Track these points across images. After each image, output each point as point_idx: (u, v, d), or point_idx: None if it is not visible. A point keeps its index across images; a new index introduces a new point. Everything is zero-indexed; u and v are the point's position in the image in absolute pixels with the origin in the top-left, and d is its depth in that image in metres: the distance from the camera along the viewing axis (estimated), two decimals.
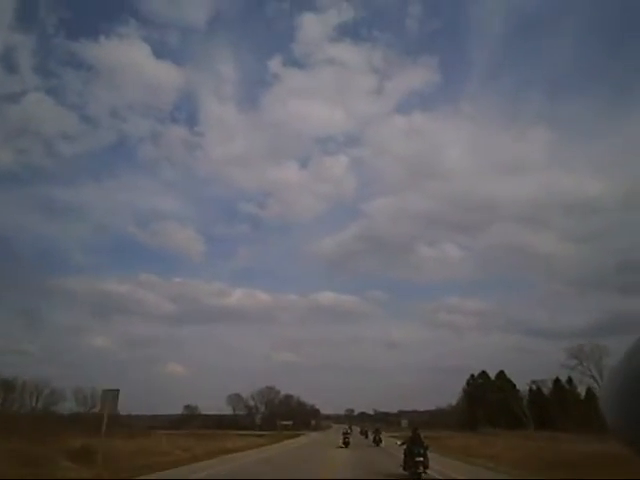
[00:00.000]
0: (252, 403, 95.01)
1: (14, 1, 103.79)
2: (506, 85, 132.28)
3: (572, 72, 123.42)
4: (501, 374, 76.26)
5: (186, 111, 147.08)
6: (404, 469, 14.87)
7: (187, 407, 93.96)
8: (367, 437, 47.22)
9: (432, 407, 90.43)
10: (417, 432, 15.51)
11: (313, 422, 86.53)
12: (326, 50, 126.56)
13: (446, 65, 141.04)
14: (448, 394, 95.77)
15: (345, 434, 34.06)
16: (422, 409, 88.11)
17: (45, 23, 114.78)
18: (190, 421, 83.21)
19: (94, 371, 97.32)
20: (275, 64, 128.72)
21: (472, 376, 79.76)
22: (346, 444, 32.94)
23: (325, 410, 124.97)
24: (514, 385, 73.57)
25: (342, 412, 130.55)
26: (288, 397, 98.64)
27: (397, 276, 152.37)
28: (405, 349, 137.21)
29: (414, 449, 14.40)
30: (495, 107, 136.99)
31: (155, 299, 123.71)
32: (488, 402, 70.26)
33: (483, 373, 79.19)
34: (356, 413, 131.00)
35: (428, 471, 14.44)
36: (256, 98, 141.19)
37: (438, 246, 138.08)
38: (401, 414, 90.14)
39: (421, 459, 14.14)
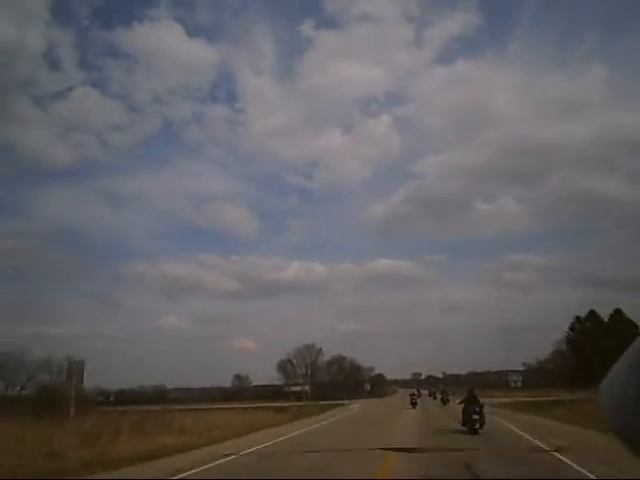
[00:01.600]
0: (291, 368, 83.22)
1: None
2: (556, 23, 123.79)
3: (627, 6, 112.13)
4: (617, 314, 63.61)
5: (225, 88, 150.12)
6: (463, 425, 16.83)
7: (237, 377, 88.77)
8: (435, 398, 49.95)
9: (508, 367, 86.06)
10: (473, 392, 17.54)
11: (368, 386, 68.11)
12: (359, 5, 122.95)
13: (489, 5, 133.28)
14: (520, 353, 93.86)
15: (412, 395, 37.93)
16: (495, 369, 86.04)
17: (79, 15, 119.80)
18: (240, 393, 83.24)
19: (168, 348, 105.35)
20: (307, 28, 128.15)
21: (577, 319, 66.40)
22: (413, 404, 36.40)
23: (391, 375, 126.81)
24: (636, 326, 59.45)
25: (409, 377, 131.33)
26: (339, 358, 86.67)
27: (454, 237, 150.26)
28: (469, 311, 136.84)
29: (470, 408, 16.32)
30: (545, 46, 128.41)
31: (217, 278, 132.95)
32: (601, 350, 53.85)
33: (592, 314, 65.90)
34: (424, 377, 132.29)
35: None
36: (292, 66, 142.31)
37: (495, 201, 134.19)
38: (471, 375, 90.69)
39: (477, 417, 16.00)
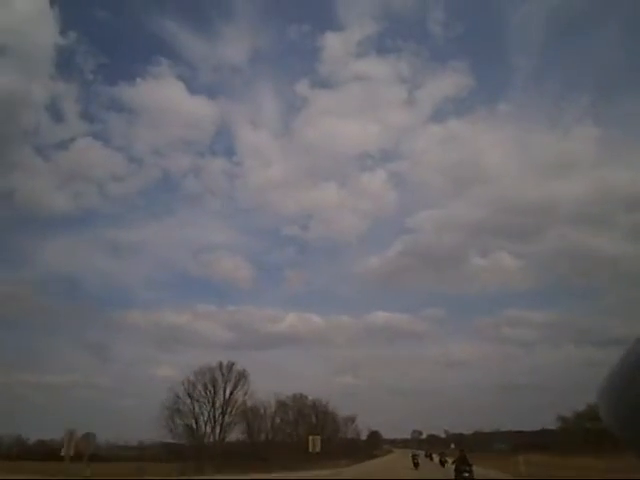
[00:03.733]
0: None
1: (52, 50, 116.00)
2: (548, 85, 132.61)
3: (621, 72, 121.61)
4: None
5: (223, 143, 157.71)
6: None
7: None
8: (432, 460, 51.37)
9: (514, 427, 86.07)
10: (463, 452, 21.57)
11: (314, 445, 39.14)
12: (352, 67, 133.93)
13: (479, 68, 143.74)
14: (529, 413, 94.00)
15: (414, 456, 42.66)
16: (504, 429, 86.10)
17: (83, 70, 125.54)
18: None
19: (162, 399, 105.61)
20: (303, 87, 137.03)
21: None
22: (416, 465, 40.22)
23: (390, 434, 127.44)
24: None
25: (408, 436, 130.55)
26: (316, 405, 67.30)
27: (451, 291, 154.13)
28: (469, 367, 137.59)
29: (461, 467, 19.95)
30: (536, 107, 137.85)
31: (212, 328, 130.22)
32: None
33: None
34: (425, 436, 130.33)
35: None
36: (288, 123, 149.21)
37: (491, 256, 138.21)
38: (476, 435, 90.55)
39: (467, 474, 20.00)
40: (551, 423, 74.82)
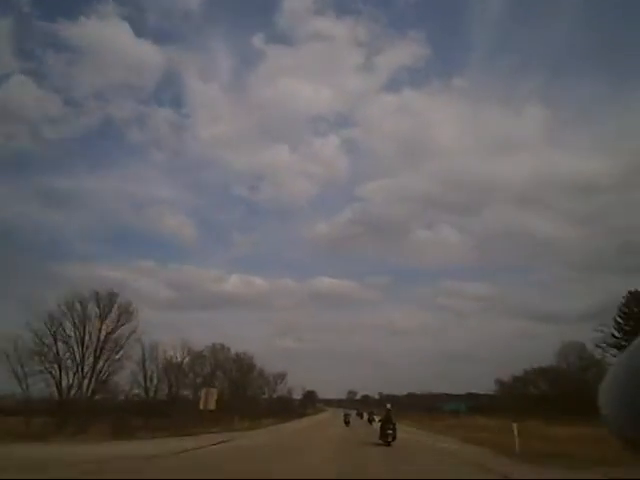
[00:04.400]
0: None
1: None
2: (503, 63, 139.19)
3: (573, 54, 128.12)
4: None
5: (171, 92, 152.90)
6: (380, 438, 22.67)
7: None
8: (362, 418, 56.07)
9: (448, 391, 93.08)
10: (389, 414, 23.59)
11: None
12: (310, 24, 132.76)
13: (437, 40, 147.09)
14: (460, 378, 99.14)
15: (346, 415, 45.77)
16: (437, 392, 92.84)
17: (20, 3, 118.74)
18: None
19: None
20: (259, 41, 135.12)
21: (632, 295, 51.38)
22: (347, 423, 43.60)
23: (326, 394, 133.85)
24: None
25: (344, 396, 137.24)
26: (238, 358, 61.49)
27: (395, 261, 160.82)
28: (408, 335, 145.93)
29: (386, 425, 22.65)
30: (489, 84, 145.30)
31: (153, 285, 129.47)
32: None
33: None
34: (359, 396, 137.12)
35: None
36: (242, 77, 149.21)
37: (436, 229, 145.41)
38: (409, 397, 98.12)
39: (390, 432, 22.22)
40: (481, 388, 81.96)
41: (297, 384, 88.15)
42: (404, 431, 30.82)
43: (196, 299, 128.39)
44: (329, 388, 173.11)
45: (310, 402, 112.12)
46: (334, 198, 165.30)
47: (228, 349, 60.50)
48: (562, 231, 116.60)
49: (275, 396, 73.46)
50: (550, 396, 54.06)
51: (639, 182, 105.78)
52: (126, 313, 42.23)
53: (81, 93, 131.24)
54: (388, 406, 25.65)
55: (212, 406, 28.78)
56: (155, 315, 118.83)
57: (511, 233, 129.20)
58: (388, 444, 21.65)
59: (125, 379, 43.92)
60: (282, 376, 74.22)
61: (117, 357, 41.05)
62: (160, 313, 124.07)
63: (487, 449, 20.74)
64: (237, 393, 57.49)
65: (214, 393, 30.39)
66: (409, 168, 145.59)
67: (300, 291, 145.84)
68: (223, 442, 21.62)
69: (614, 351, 50.38)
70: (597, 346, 52.61)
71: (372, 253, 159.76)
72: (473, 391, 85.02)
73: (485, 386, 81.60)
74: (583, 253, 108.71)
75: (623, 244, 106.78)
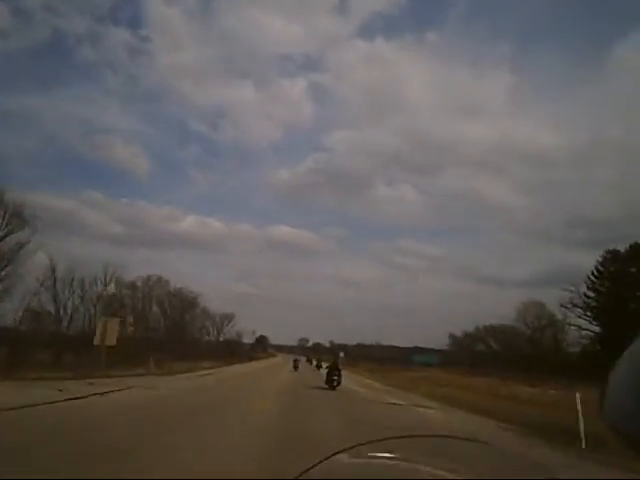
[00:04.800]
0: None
1: None
2: (478, 25, 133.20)
3: (544, 25, 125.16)
4: None
5: (128, 11, 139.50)
6: (325, 383, 22.98)
7: None
8: (312, 364, 56.73)
9: (393, 343, 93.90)
10: (335, 361, 24.25)
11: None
12: None
13: None
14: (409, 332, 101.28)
15: (295, 361, 46.98)
16: (386, 344, 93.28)
17: None
18: None
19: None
20: None
21: (610, 254, 51.52)
22: (295, 368, 44.70)
23: (278, 340, 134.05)
24: None
25: (296, 343, 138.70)
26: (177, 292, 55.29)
27: (354, 214, 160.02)
28: (361, 288, 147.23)
29: (332, 372, 22.95)
30: (462, 45, 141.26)
31: (100, 219, 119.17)
32: None
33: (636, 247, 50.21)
34: (311, 344, 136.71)
35: None
36: (208, 3, 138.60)
37: (396, 186, 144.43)
38: (358, 347, 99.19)
39: (335, 378, 22.56)
40: (427, 342, 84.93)
41: (249, 329, 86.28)
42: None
43: (147, 237, 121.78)
44: (282, 335, 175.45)
45: (261, 347, 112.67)
46: (298, 145, 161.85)
47: (167, 282, 53.29)
48: (514, 199, 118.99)
49: (222, 339, 69.62)
50: (503, 354, 54.82)
51: (594, 160, 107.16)
52: (17, 218, 31.66)
53: (31, 3, 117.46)
54: (341, 354, 25.88)
55: (112, 342, 23.43)
56: (101, 249, 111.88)
57: (466, 197, 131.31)
58: (333, 388, 22.40)
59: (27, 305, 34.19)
60: (230, 317, 69.16)
61: (3, 273, 31.14)
62: (107, 248, 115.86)
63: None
64: (174, 332, 51.09)
65: (115, 325, 24.51)
66: (375, 121, 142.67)
67: (258, 238, 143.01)
68: (114, 391, 15.70)
69: (579, 312, 50.66)
70: (562, 306, 51.95)
71: (332, 205, 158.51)
72: (420, 345, 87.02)
73: (432, 341, 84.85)
74: (531, 223, 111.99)
75: (570, 218, 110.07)
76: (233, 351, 64.73)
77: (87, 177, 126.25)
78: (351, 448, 1.14)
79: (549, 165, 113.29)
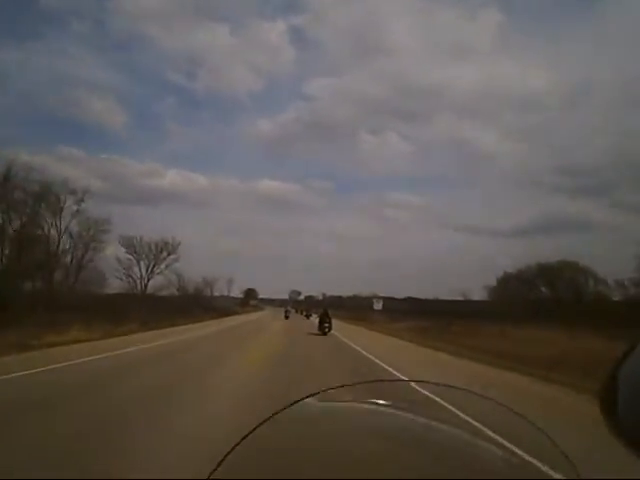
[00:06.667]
0: None
1: None
2: None
3: None
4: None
5: None
6: (318, 330, 28.38)
7: None
8: (301, 314, 66.05)
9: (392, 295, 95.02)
10: (326, 311, 29.33)
11: None
12: None
13: None
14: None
15: (286, 311, 53.76)
16: (382, 295, 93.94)
17: None
18: None
19: None
20: None
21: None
22: (287, 317, 51.92)
23: (269, 294, 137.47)
24: None
25: (286, 296, 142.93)
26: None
27: (340, 166, 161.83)
28: (351, 241, 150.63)
29: (323, 320, 28.00)
30: None
31: (79, 175, 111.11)
32: None
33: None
34: (303, 296, 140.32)
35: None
36: None
37: (382, 135, 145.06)
38: (352, 298, 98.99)
39: (327, 325, 27.81)
40: (421, 293, 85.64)
41: (224, 277, 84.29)
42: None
43: (129, 193, 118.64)
44: (272, 289, 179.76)
45: (251, 300, 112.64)
46: (279, 95, 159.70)
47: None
48: (501, 146, 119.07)
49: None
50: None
51: (584, 104, 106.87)
52: None
53: None
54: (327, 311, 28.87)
55: None
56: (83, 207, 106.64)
57: (454, 145, 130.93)
58: (325, 334, 27.25)
59: None
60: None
61: None
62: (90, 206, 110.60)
63: None
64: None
65: None
66: (359, 67, 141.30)
67: (243, 192, 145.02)
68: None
69: None
70: None
71: (317, 156, 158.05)
72: (415, 296, 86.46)
73: (426, 292, 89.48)
74: (519, 170, 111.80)
75: (559, 165, 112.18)
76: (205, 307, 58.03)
77: (64, 133, 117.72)
78: (322, 392, 1.15)
79: (538, 110, 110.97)
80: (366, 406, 1.17)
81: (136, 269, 50.49)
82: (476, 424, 2.01)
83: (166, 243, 51.63)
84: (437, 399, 4.75)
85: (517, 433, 1.17)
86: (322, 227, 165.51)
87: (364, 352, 17.54)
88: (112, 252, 47.33)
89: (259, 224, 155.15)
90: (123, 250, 49.30)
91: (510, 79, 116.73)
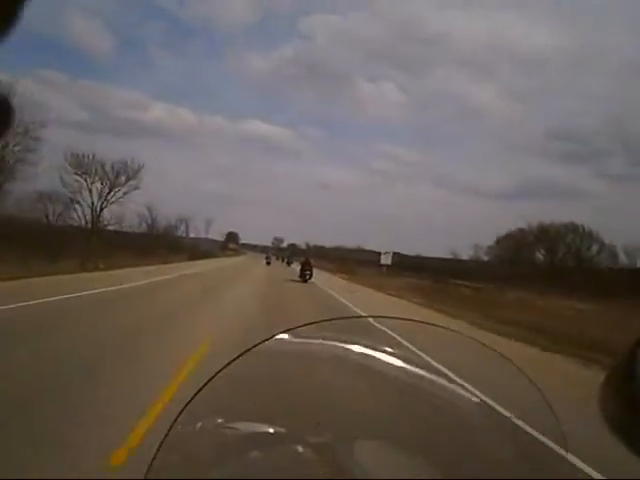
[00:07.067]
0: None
1: None
2: None
3: None
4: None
5: None
6: (299, 277, 29.71)
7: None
8: (283, 261, 66.82)
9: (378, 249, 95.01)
10: (308, 259, 30.83)
11: None
12: None
13: None
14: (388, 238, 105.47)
15: (267, 257, 55.30)
16: (367, 248, 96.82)
17: None
18: None
19: None
20: None
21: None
22: (268, 263, 53.39)
23: (252, 240, 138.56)
24: None
25: (270, 243, 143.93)
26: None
27: (334, 113, 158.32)
28: (339, 192, 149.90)
29: (304, 268, 29.62)
30: None
31: (60, 102, 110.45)
32: None
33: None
34: (285, 244, 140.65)
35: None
36: None
37: (379, 83, 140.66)
38: (336, 249, 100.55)
39: (308, 272, 29.20)
40: (406, 249, 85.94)
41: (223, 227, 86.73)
42: None
43: (112, 124, 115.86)
44: (256, 235, 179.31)
45: (230, 243, 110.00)
46: (274, 30, 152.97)
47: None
48: (498, 105, 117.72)
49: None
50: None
51: (590, 65, 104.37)
52: None
53: None
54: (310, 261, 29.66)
55: None
56: (62, 136, 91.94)
57: (451, 100, 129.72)
58: (305, 281, 28.94)
59: None
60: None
61: None
62: (68, 134, 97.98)
63: None
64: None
65: None
66: (359, 4, 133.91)
67: (231, 132, 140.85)
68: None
69: None
70: None
71: (311, 101, 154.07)
72: (398, 251, 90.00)
73: (411, 248, 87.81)
74: (513, 131, 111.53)
75: (553, 129, 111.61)
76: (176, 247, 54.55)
77: (43, 55, 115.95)
78: (295, 328, 1.12)
79: (539, 69, 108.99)
80: (331, 342, 1.18)
81: (86, 193, 40.45)
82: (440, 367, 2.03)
83: (125, 164, 42.22)
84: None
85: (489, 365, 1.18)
86: (310, 176, 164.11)
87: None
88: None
89: (246, 167, 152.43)
90: (71, 170, 39.25)
91: (515, 35, 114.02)
